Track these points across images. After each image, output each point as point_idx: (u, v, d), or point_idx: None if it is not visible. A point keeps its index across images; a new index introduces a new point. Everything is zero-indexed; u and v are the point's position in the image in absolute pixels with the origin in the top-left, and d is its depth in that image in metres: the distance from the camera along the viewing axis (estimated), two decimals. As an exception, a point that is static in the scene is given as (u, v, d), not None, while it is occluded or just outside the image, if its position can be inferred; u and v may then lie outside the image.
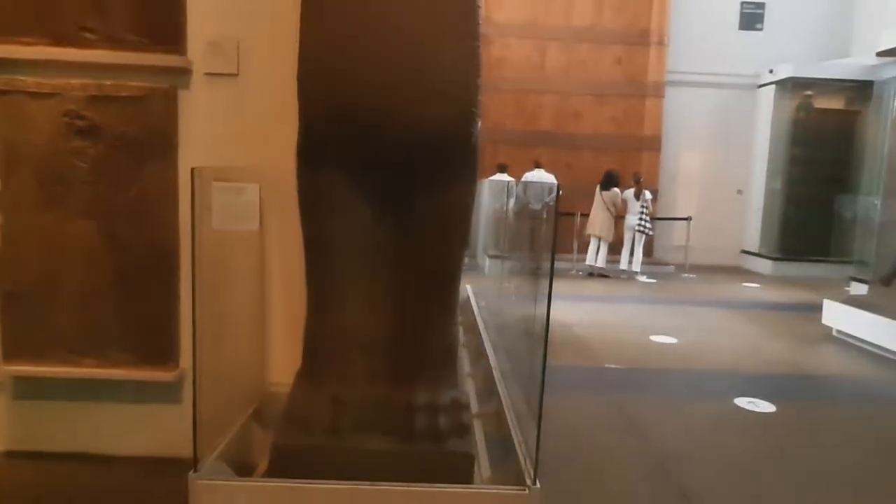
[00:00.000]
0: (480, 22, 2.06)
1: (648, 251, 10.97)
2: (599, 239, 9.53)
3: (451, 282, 2.23)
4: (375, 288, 2.22)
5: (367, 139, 2.00)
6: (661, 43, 10.72)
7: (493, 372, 3.13)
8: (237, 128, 2.49)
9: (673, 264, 10.44)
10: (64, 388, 2.54)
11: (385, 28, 1.94)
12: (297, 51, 2.05)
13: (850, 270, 8.89)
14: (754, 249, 11.20)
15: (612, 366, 4.63)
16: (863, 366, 5.07)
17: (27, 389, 2.57)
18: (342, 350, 2.14)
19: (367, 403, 2.08)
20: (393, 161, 2.04)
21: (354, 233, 2.16)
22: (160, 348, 2.51)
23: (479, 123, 2.17)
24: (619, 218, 9.57)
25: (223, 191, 1.84)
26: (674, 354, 5.11)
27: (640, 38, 10.76)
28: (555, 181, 9.31)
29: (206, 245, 2.42)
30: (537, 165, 9.44)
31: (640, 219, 9.34)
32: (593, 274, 9.61)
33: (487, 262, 9.51)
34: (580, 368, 4.58)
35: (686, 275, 10.06)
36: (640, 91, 10.85)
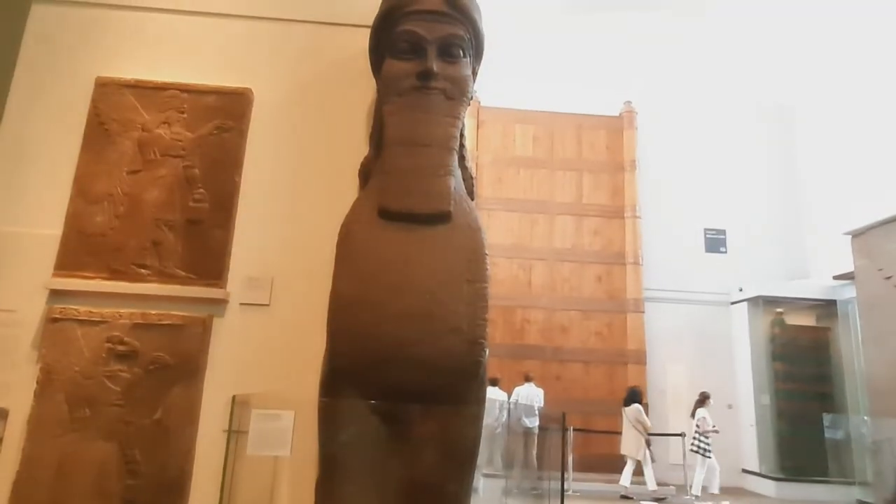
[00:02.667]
0: (487, 267, 2.41)
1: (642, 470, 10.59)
2: (629, 458, 9.25)
3: (461, 501, 2.27)
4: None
5: (386, 371, 2.21)
6: (636, 263, 11.65)
7: None
8: (264, 353, 2.69)
9: (673, 485, 10.01)
10: None
11: (405, 275, 2.27)
12: (321, 287, 2.36)
13: (855, 492, 8.59)
14: (755, 468, 10.87)
15: None
16: None
17: None
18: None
19: None
20: (408, 389, 2.23)
21: (368, 456, 2.27)
22: (155, 583, 2.40)
23: (487, 353, 2.41)
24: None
25: (260, 417, 1.98)
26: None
27: (617, 258, 11.73)
28: (542, 396, 9.36)
29: (218, 469, 2.47)
30: (527, 379, 9.58)
31: (693, 438, 9.11)
32: (626, 497, 9.07)
33: (482, 481, 9.13)
34: None
35: (688, 497, 9.59)
36: (622, 307, 11.49)
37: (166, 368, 2.58)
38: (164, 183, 2.78)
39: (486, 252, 2.43)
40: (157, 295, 2.65)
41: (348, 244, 2.37)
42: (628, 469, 9.30)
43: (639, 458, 9.18)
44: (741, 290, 11.63)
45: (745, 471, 11.04)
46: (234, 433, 1.96)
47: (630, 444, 9.23)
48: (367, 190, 2.54)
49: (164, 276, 2.69)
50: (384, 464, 2.29)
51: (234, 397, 1.94)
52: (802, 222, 12.35)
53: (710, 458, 9.20)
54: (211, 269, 2.72)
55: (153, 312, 2.64)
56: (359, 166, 2.71)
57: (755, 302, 11.40)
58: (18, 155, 2.83)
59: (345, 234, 2.40)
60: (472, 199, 2.66)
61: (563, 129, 12.31)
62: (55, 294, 2.65)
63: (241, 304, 2.74)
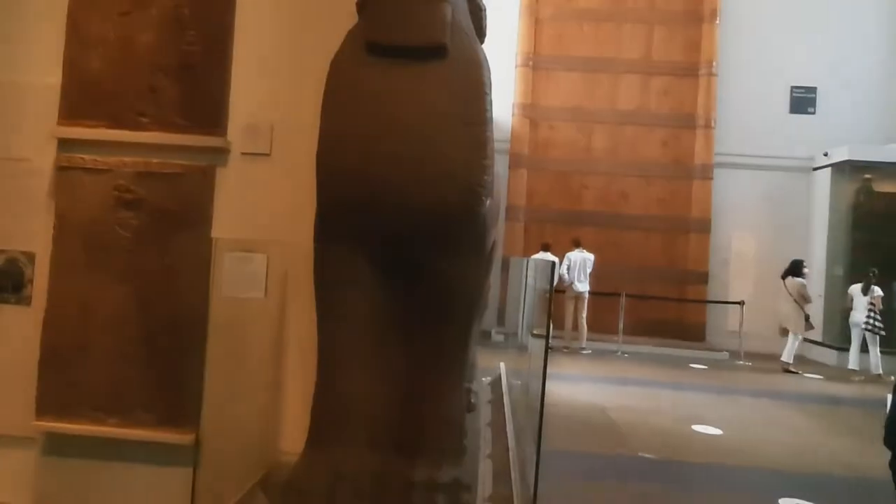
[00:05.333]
0: (489, 108, 2.18)
1: (698, 336, 10.58)
2: (789, 332, 9.02)
3: (457, 356, 2.24)
4: (382, 360, 2.26)
5: (376, 215, 2.11)
6: (707, 126, 10.78)
7: (510, 454, 3.06)
8: (267, 203, 2.67)
9: (727, 350, 9.99)
10: (89, 447, 2.64)
11: (394, 115, 2.08)
12: (319, 135, 2.22)
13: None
14: (817, 338, 10.59)
15: (646, 455, 4.40)
16: (933, 470, 4.60)
17: (55, 446, 2.69)
18: (346, 421, 2.16)
19: (367, 477, 2.08)
20: (400, 237, 2.13)
21: (364, 305, 2.23)
22: (180, 412, 2.59)
23: (488, 202, 2.25)
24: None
25: (233, 260, 1.96)
26: (716, 447, 4.81)
27: (687, 121, 10.87)
28: (592, 261, 9.22)
29: (229, 313, 2.56)
30: (576, 244, 9.39)
31: (868, 316, 8.70)
32: (789, 371, 8.97)
33: (531, 341, 9.34)
34: (609, 456, 4.37)
35: (740, 362, 9.58)
36: (688, 173, 10.83)
37: (171, 216, 2.61)
38: (156, 24, 2.64)
39: (487, 91, 2.18)
40: (158, 144, 2.62)
41: (334, 82, 2.18)
42: (790, 343, 9.00)
43: (799, 333, 8.83)
44: (826, 154, 10.63)
45: (806, 340, 10.80)
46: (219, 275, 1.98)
47: (790, 317, 8.87)
48: (358, 22, 2.30)
49: (164, 125, 2.63)
50: (381, 308, 2.26)
51: (214, 240, 1.91)
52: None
53: (883, 333, 8.67)
54: (209, 118, 2.64)
55: (155, 161, 2.62)
56: (356, -1, 2.45)
57: (840, 167, 10.45)
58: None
59: (332, 72, 2.21)
60: (482, 37, 2.37)
61: (634, -27, 10.97)
62: (62, 143, 2.67)
63: (243, 153, 2.68)
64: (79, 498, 2.65)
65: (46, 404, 2.60)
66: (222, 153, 2.66)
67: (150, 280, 2.61)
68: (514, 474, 2.65)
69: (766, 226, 11.10)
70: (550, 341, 9.43)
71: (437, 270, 2.17)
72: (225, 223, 2.66)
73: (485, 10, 2.43)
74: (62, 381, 2.60)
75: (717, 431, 5.23)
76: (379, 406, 2.19)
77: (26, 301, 2.70)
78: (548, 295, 2.98)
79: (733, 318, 10.26)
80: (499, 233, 3.42)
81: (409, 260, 2.20)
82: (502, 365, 5.36)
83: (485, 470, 2.91)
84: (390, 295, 2.27)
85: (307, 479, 2.04)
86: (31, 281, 2.70)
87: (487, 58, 2.35)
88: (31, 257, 2.70)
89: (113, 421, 2.59)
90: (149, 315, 2.61)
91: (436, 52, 2.12)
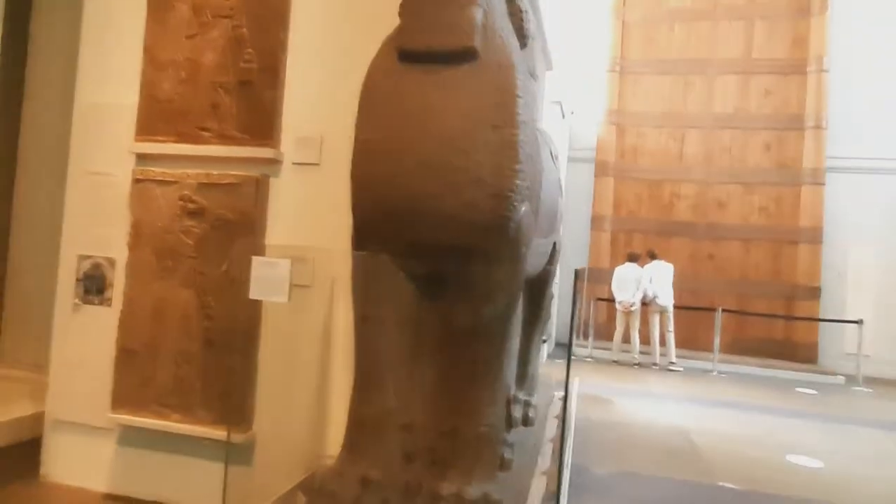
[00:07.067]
0: (521, 111, 2.11)
1: (809, 357, 9.65)
2: None
3: (490, 368, 2.17)
4: (416, 370, 2.24)
5: (407, 224, 2.10)
6: (818, 127, 9.86)
7: (563, 471, 2.93)
8: (318, 211, 2.75)
9: (843, 374, 9.02)
10: (155, 440, 2.83)
11: (424, 122, 2.07)
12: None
13: None
14: (954, 363, 9.33)
15: (727, 485, 4.04)
16: None
17: (128, 437, 2.91)
18: (379, 429, 2.16)
19: (396, 486, 2.06)
20: (432, 245, 2.11)
21: (397, 315, 2.23)
22: (236, 411, 2.72)
23: (523, 207, 2.17)
24: None
25: (259, 265, 2.03)
26: (812, 481, 4.32)
27: (793, 122, 10.01)
28: (671, 269, 8.68)
29: (280, 319, 2.65)
30: (653, 256, 8.82)
31: None
32: None
33: (620, 356, 8.98)
34: (684, 482, 4.05)
35: (858, 387, 8.61)
36: (795, 179, 9.96)
37: (229, 224, 2.76)
38: (218, 45, 2.82)
39: (520, 94, 2.12)
40: (218, 156, 2.79)
41: (367, 91, 2.21)
42: None
43: None
44: (964, 155, 9.39)
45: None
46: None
47: None
48: (392, 31, 2.32)
49: (224, 138, 2.80)
50: (415, 320, 2.25)
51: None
52: None
53: None
54: (263, 130, 2.77)
55: (215, 173, 2.79)
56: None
57: (982, 170, 9.18)
58: (101, 31, 3.04)
59: (366, 81, 2.24)
60: (524, 39, 2.32)
61: (732, -32, 10.33)
62: (138, 158, 2.91)
63: (294, 163, 2.79)
64: (146, 487, 2.84)
65: (120, 398, 2.82)
66: (275, 163, 2.79)
67: (208, 286, 2.76)
68: (561, 494, 2.52)
69: (889, 236, 9.94)
70: (637, 357, 8.99)
71: (470, 279, 2.13)
72: (278, 230, 2.78)
73: (526, 11, 2.37)
74: (134, 377, 2.82)
75: (817, 464, 4.70)
76: (413, 417, 2.17)
77: (108, 302, 2.96)
78: (578, 305, 2.83)
79: (851, 339, 9.26)
80: (561, 240, 3.31)
81: (443, 269, 2.17)
82: (576, 381, 5.16)
83: (537, 486, 2.79)
84: (425, 305, 2.25)
85: (337, 486, 2.06)
86: (111, 284, 2.96)
87: (524, 59, 2.29)
88: (112, 262, 2.96)
89: (176, 417, 2.76)
90: (207, 318, 2.76)
91: (465, 55, 2.09)
